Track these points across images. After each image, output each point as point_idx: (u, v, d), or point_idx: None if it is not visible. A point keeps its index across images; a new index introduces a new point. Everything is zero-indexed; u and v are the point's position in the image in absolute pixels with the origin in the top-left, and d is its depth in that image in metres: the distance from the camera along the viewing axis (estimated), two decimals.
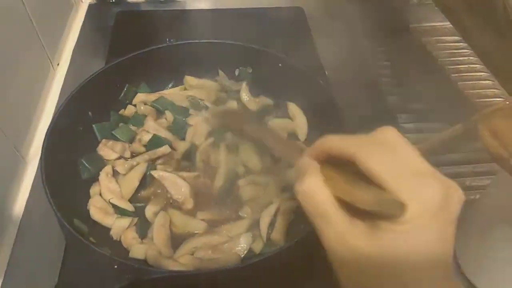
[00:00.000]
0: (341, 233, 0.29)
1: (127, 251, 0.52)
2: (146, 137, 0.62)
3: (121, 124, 0.65)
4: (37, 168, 0.64)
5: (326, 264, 0.30)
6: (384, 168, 0.28)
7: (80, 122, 0.61)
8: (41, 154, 0.51)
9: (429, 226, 0.27)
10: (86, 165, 0.59)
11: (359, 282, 0.29)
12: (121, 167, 0.60)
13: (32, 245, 0.56)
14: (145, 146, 0.62)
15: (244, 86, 0.70)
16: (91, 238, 0.49)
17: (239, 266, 0.48)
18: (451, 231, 0.28)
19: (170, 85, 0.72)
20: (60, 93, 0.75)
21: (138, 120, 0.66)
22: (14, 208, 0.60)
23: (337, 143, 0.31)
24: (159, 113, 0.68)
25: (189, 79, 0.72)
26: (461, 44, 0.92)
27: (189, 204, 0.57)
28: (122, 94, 0.68)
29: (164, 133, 0.63)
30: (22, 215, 0.59)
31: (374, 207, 0.27)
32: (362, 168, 0.28)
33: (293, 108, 0.68)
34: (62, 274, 0.52)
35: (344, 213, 0.29)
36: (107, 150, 0.61)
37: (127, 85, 0.68)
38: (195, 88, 0.71)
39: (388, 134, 0.30)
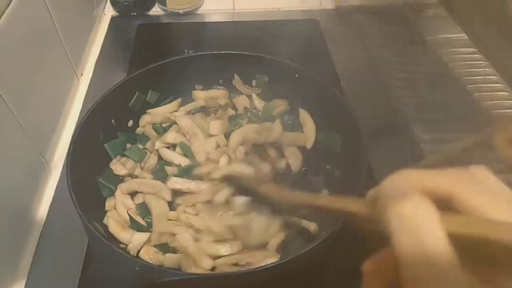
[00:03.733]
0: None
1: None
2: (153, 162, 0.64)
3: (128, 144, 0.66)
4: (61, 174, 0.67)
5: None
6: (489, 207, 0.22)
7: (103, 130, 0.63)
8: (67, 160, 0.53)
9: None
10: (105, 183, 0.60)
11: None
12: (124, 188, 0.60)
13: (55, 248, 0.58)
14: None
15: (254, 96, 0.73)
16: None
17: (257, 269, 0.48)
18: None
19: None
20: (84, 102, 0.78)
21: (146, 140, 0.67)
22: (37, 212, 0.62)
23: (432, 175, 0.24)
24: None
25: (197, 93, 0.73)
26: (477, 55, 0.92)
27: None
28: (131, 100, 0.68)
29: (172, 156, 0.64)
30: (45, 220, 0.61)
31: (490, 235, 0.20)
32: (462, 206, 0.22)
33: (304, 115, 0.69)
34: (84, 276, 0.54)
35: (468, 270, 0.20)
36: (119, 165, 0.62)
37: (137, 92, 0.68)
38: (203, 100, 0.72)
39: (482, 173, 0.24)
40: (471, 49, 0.94)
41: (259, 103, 0.73)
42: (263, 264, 0.50)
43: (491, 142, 0.59)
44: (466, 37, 0.97)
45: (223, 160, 0.63)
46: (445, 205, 0.23)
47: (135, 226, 0.56)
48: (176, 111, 0.71)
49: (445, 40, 0.97)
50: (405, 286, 0.21)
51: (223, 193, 0.57)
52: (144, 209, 0.58)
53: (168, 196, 0.60)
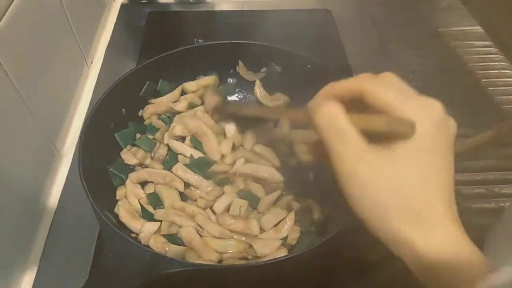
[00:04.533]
0: (359, 150, 0.31)
1: None
2: (163, 152, 0.64)
3: (138, 134, 0.65)
4: (71, 162, 0.67)
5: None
6: (391, 96, 0.31)
7: (114, 119, 0.63)
8: (78, 148, 0.52)
9: (437, 142, 0.31)
10: (116, 172, 0.60)
11: (367, 196, 0.31)
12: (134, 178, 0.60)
13: (66, 236, 0.59)
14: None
15: (257, 83, 0.72)
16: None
17: (266, 262, 0.48)
18: (451, 157, 0.32)
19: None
20: (94, 90, 0.78)
21: (155, 130, 0.67)
22: (48, 200, 0.62)
23: (343, 82, 0.34)
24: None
25: (188, 85, 0.71)
26: (492, 49, 0.90)
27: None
28: (142, 88, 0.67)
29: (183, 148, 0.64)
30: (56, 207, 0.62)
31: (388, 127, 0.30)
32: (370, 98, 0.32)
33: None
34: (95, 264, 0.54)
35: (361, 135, 0.31)
36: (129, 154, 0.62)
37: (148, 81, 0.67)
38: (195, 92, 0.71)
39: (390, 77, 0.34)
40: (486, 42, 0.92)
41: (262, 95, 0.72)
42: (272, 257, 0.51)
43: (506, 138, 0.58)
44: (481, 29, 0.95)
45: (240, 162, 0.63)
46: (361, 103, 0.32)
47: (146, 215, 0.56)
48: (177, 101, 0.70)
49: (459, 32, 0.95)
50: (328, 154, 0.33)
51: (223, 202, 0.57)
52: (154, 198, 0.58)
53: (180, 187, 0.59)
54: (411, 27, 0.96)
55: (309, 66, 0.67)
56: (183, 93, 0.71)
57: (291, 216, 0.56)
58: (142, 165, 0.63)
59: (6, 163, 0.51)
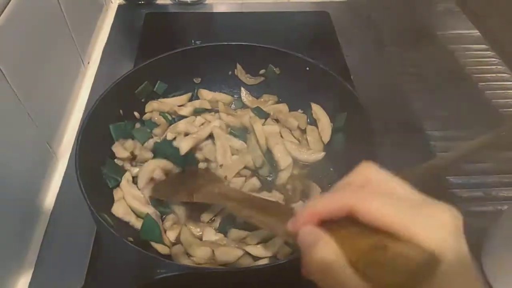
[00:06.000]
0: None
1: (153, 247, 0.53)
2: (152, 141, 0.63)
3: (137, 124, 0.66)
4: (68, 163, 0.66)
5: None
6: (390, 212, 0.26)
7: (111, 120, 0.62)
8: (75, 149, 0.52)
9: (460, 267, 0.26)
10: (109, 174, 0.59)
11: None
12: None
13: (62, 238, 0.58)
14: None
15: (243, 90, 0.73)
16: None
17: (260, 267, 0.48)
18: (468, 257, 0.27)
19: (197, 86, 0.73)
20: (90, 91, 0.77)
21: (153, 126, 0.67)
22: (44, 201, 0.62)
23: (324, 202, 0.29)
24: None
25: (204, 93, 0.72)
26: (489, 52, 0.91)
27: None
28: (138, 89, 0.66)
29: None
30: (53, 209, 0.61)
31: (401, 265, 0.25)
32: (366, 219, 0.27)
33: (317, 109, 0.69)
34: (91, 267, 0.53)
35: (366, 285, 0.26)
36: (120, 148, 0.62)
37: (145, 82, 0.67)
38: (208, 101, 0.71)
39: (370, 174, 0.29)
40: (483, 45, 0.92)
41: (249, 100, 0.72)
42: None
43: (503, 142, 0.58)
44: (478, 33, 0.96)
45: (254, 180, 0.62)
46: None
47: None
48: (183, 105, 0.71)
49: (457, 36, 0.96)
50: None
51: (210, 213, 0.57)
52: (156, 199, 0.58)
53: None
54: (409, 30, 0.96)
55: (307, 68, 0.67)
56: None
57: None
58: (132, 159, 0.62)
59: (2, 164, 0.51)
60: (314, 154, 0.64)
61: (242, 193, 0.53)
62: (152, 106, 0.68)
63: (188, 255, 0.53)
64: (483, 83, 0.84)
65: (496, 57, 0.90)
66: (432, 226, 0.25)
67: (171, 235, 0.55)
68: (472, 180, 0.67)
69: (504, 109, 0.79)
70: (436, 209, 0.27)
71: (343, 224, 0.28)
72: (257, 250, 0.53)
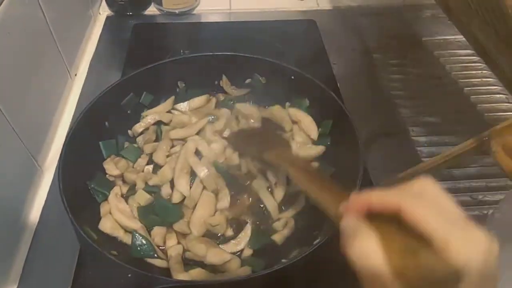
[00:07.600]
0: None
1: (139, 262, 0.52)
2: (143, 162, 0.64)
3: (126, 143, 0.66)
4: (53, 177, 0.66)
5: None
6: (434, 221, 0.28)
7: (97, 132, 0.62)
8: (59, 163, 0.52)
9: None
10: (97, 188, 0.59)
11: None
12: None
13: (47, 251, 0.57)
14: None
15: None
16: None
17: (250, 276, 0.48)
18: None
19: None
20: (77, 103, 0.77)
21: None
22: (30, 215, 0.61)
23: (379, 195, 0.31)
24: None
25: (178, 107, 0.72)
26: (475, 57, 0.92)
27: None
28: (124, 101, 0.67)
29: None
30: (38, 222, 0.60)
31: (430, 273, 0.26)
32: (411, 220, 0.28)
33: (294, 112, 0.69)
34: (75, 283, 0.53)
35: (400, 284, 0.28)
36: (112, 164, 0.62)
37: (131, 93, 0.67)
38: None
39: (427, 185, 0.31)
40: (468, 51, 0.93)
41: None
42: None
43: (487, 146, 0.58)
44: (464, 39, 0.97)
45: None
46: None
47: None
48: (172, 109, 0.71)
49: (443, 41, 0.97)
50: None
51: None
52: (144, 212, 0.58)
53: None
54: (396, 36, 0.97)
55: (293, 77, 0.67)
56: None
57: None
58: (123, 175, 0.62)
59: None
60: (313, 149, 0.65)
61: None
62: (148, 120, 0.68)
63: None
64: (469, 88, 0.85)
65: (481, 62, 0.90)
66: (466, 243, 0.27)
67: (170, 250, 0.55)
68: (458, 184, 0.67)
69: (490, 113, 0.79)
70: (476, 230, 0.28)
71: (386, 220, 0.30)
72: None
